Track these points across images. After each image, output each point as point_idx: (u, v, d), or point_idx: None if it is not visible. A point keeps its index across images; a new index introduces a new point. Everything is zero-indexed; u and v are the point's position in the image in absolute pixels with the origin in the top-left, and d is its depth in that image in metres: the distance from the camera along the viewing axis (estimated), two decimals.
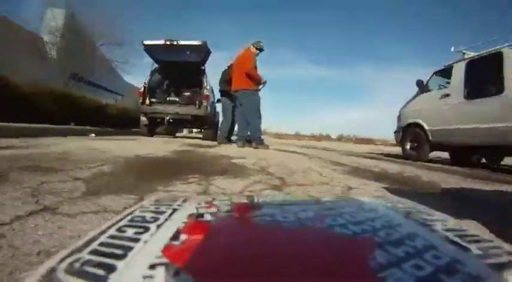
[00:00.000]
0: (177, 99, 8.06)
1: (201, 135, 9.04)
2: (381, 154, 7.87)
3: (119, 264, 0.20)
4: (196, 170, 1.76)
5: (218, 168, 1.98)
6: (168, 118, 6.90)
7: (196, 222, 0.28)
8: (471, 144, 4.64)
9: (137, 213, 0.31)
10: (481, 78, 4.94)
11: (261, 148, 5.08)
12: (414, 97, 5.90)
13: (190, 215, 0.30)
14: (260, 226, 0.28)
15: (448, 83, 5.33)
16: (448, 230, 0.26)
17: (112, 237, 0.25)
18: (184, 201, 0.35)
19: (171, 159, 2.43)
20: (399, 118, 6.20)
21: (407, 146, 5.82)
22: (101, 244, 0.24)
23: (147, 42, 6.68)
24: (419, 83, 5.71)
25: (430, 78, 5.72)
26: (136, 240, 0.24)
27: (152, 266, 0.20)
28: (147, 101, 6.93)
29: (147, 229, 0.26)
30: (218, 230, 0.28)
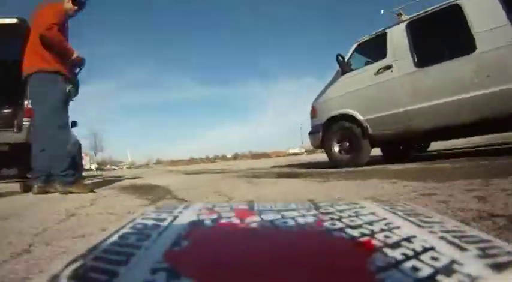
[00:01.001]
0: None
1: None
2: (293, 166, 5.68)
3: (121, 270, 0.21)
4: None
5: None
6: None
7: (197, 228, 0.29)
8: (443, 126, 3.40)
9: (139, 220, 0.31)
10: (434, 40, 3.95)
11: (76, 191, 2.73)
12: (332, 82, 4.31)
13: (191, 222, 0.30)
14: (260, 232, 0.28)
15: (380, 55, 3.95)
16: (446, 231, 0.26)
17: (114, 244, 0.26)
18: (186, 207, 0.35)
19: None
20: (315, 113, 4.48)
21: (335, 149, 4.20)
22: (104, 251, 0.24)
23: None
24: (340, 60, 4.11)
25: (352, 52, 4.24)
26: (138, 247, 0.25)
27: (154, 271, 0.20)
28: None
29: (148, 236, 0.27)
30: (219, 235, 0.28)
